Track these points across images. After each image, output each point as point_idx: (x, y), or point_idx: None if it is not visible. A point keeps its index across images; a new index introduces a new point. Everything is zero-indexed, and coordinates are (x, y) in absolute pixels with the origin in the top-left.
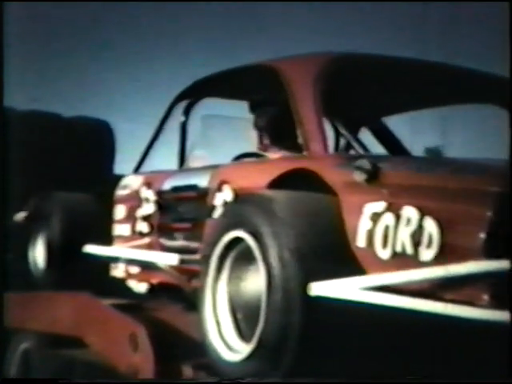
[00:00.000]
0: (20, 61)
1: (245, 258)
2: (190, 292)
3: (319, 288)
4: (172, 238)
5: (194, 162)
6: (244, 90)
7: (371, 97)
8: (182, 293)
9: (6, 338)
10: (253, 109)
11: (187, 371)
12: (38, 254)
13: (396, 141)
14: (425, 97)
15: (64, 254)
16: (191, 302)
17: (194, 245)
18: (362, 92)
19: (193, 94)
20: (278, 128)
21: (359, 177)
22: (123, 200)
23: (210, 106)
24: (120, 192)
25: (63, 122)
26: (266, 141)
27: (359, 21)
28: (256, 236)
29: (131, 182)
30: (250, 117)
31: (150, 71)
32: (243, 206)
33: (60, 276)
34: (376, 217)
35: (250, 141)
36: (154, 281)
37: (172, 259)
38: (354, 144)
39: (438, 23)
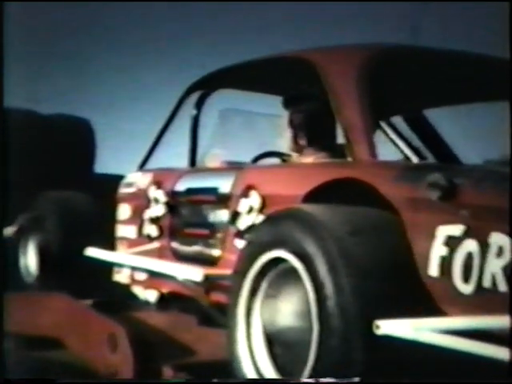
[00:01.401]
0: (20, 61)
1: (285, 282)
2: (207, 306)
3: (388, 326)
4: (186, 243)
5: (211, 161)
6: (270, 83)
7: (414, 91)
8: (196, 305)
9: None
10: (287, 104)
11: (167, 372)
12: (30, 259)
13: (436, 134)
14: (471, 91)
15: (60, 259)
16: (207, 316)
17: (214, 252)
18: (406, 87)
19: (207, 85)
20: (316, 127)
21: (433, 194)
22: (128, 199)
23: (224, 99)
24: (124, 190)
25: (41, 119)
26: (302, 141)
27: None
28: (302, 257)
29: (137, 180)
30: (272, 112)
31: (150, 71)
32: (285, 221)
33: (55, 282)
34: (454, 242)
35: (272, 139)
36: (164, 290)
37: (195, 274)
38: (407, 151)
39: (438, 23)
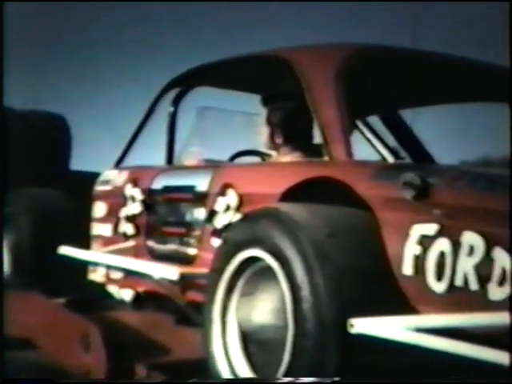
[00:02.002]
0: (20, 61)
1: (260, 280)
2: (183, 305)
3: (362, 325)
4: (162, 241)
5: (188, 159)
6: (248, 81)
7: (390, 91)
8: (172, 304)
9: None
10: (265, 102)
11: (141, 371)
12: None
13: (411, 135)
14: (448, 92)
15: (33, 257)
16: (183, 315)
17: (190, 251)
18: (382, 86)
19: (185, 83)
20: (294, 125)
21: (407, 193)
22: (104, 197)
23: (201, 97)
24: (100, 188)
25: (14, 115)
26: (279, 139)
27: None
28: (278, 257)
29: (113, 178)
30: (250, 110)
31: (150, 71)
32: (262, 221)
33: (27, 281)
34: (427, 241)
35: (249, 137)
36: (140, 289)
37: (170, 273)
38: (383, 150)
39: (438, 24)
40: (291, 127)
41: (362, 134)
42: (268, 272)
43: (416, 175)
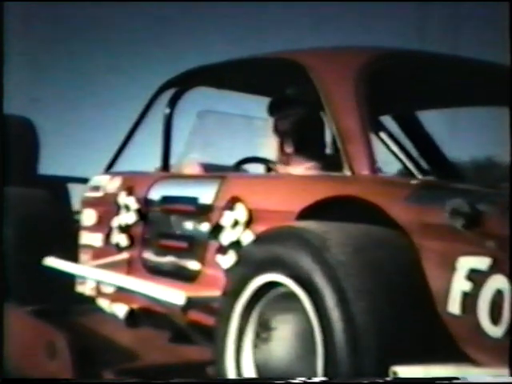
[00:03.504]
0: (20, 61)
1: (281, 307)
2: (183, 325)
3: (407, 373)
4: (160, 254)
5: (188, 167)
6: (252, 84)
7: (408, 94)
8: (170, 323)
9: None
10: (273, 109)
11: (108, 377)
12: None
13: (428, 137)
14: (463, 96)
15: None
16: (183, 335)
17: (192, 266)
18: (400, 90)
19: (183, 83)
20: (305, 134)
21: (455, 221)
22: (94, 204)
23: (200, 98)
24: (90, 194)
25: None
26: (289, 149)
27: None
28: (304, 283)
29: (104, 184)
30: (251, 112)
31: (150, 71)
32: (283, 240)
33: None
34: (478, 276)
35: (251, 141)
36: (134, 305)
37: (175, 297)
38: (410, 166)
39: (437, 23)
40: (302, 136)
41: (378, 136)
42: (289, 298)
43: (464, 202)
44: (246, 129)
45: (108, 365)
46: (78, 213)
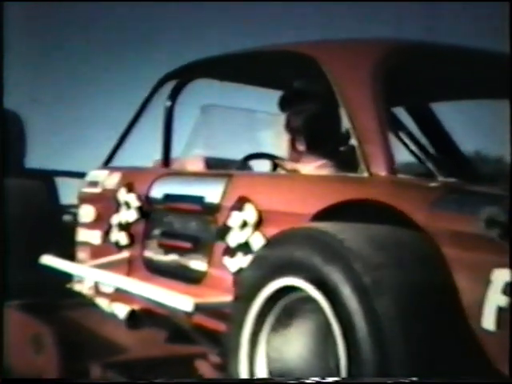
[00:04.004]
0: (20, 61)
1: (297, 313)
2: (188, 329)
3: None
4: (163, 253)
5: (192, 163)
6: (260, 77)
7: (424, 86)
8: (174, 325)
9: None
10: (284, 105)
11: (95, 371)
12: None
13: (443, 132)
14: (482, 87)
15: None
16: (186, 336)
17: (197, 268)
18: (416, 83)
19: (185, 74)
20: (318, 130)
21: (490, 231)
22: (92, 200)
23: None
24: (87, 189)
25: None
26: (301, 146)
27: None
28: (325, 288)
29: (103, 179)
30: (259, 108)
31: (150, 71)
32: (300, 243)
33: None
34: None
35: (256, 136)
36: (135, 306)
37: (182, 303)
38: (430, 164)
39: (437, 24)
40: (315, 132)
41: (395, 133)
42: (305, 304)
43: (501, 210)
44: (251, 123)
45: (95, 358)
46: (70, 207)
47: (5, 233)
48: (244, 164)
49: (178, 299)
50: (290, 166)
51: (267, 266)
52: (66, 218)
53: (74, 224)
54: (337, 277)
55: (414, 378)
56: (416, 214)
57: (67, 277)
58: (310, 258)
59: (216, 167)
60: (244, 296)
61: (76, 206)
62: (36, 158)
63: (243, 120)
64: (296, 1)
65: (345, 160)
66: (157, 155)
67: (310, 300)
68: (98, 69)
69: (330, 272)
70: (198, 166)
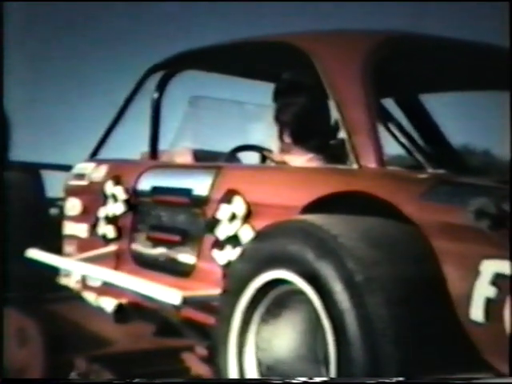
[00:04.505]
0: (20, 61)
1: (286, 306)
2: (176, 322)
3: None
4: (151, 247)
5: (180, 156)
6: (250, 68)
7: (413, 78)
8: (162, 318)
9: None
10: (275, 97)
11: (80, 364)
12: None
13: (432, 124)
14: (474, 80)
15: None
16: (173, 329)
17: (185, 261)
18: (406, 73)
19: (172, 65)
20: (306, 124)
21: (479, 222)
22: (78, 192)
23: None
24: (74, 182)
25: None
26: (288, 139)
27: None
28: (314, 281)
29: (89, 172)
30: (247, 100)
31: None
32: (290, 235)
33: None
34: (504, 282)
35: (245, 128)
36: (123, 300)
37: (170, 296)
38: (419, 156)
39: (437, 23)
40: (304, 126)
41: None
42: (295, 296)
43: (490, 201)
44: (239, 115)
45: (80, 352)
46: (56, 200)
47: None
48: (232, 156)
49: (166, 292)
50: (278, 157)
51: (257, 258)
52: (53, 211)
53: (61, 217)
54: (329, 272)
55: (401, 378)
56: (405, 205)
57: (52, 270)
58: (302, 252)
59: (204, 159)
60: (233, 289)
61: (62, 199)
62: (21, 151)
63: (232, 112)
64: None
65: (334, 153)
66: (144, 148)
67: (300, 293)
68: (100, 69)
69: (321, 267)
70: (186, 158)
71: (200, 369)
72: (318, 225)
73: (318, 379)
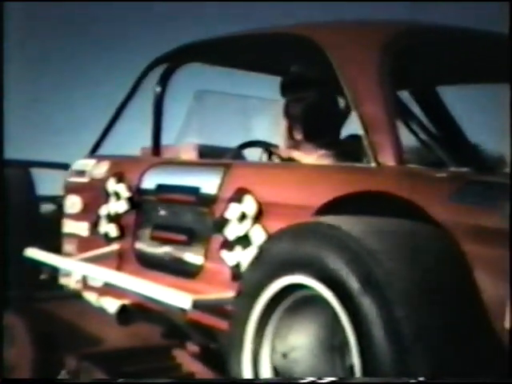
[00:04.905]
0: (20, 61)
1: (304, 312)
2: (182, 325)
3: None
4: (155, 246)
5: (186, 152)
6: (255, 61)
7: (430, 70)
8: (168, 320)
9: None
10: (284, 91)
11: (70, 362)
12: None
13: (450, 118)
14: (490, 71)
15: None
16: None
17: (192, 260)
18: (422, 66)
19: (175, 58)
20: (318, 120)
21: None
22: (79, 190)
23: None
24: (74, 179)
25: None
26: (299, 135)
27: None
28: (336, 287)
29: (90, 168)
30: (254, 94)
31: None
32: (309, 238)
33: None
34: None
35: (251, 123)
36: (126, 301)
37: (180, 301)
38: (439, 152)
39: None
40: (315, 121)
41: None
42: (313, 301)
43: None
44: (246, 110)
45: (71, 350)
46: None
47: None
48: (239, 153)
49: (176, 296)
50: (285, 153)
51: (275, 261)
52: (48, 209)
53: (55, 215)
54: (349, 274)
55: (421, 378)
56: (433, 207)
57: (41, 268)
58: (324, 256)
59: (210, 155)
60: (248, 292)
61: (55, 197)
62: (21, 151)
63: (238, 106)
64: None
65: (346, 150)
66: (146, 143)
67: (318, 298)
68: (100, 69)
69: (344, 272)
70: (191, 154)
71: (192, 366)
72: (340, 227)
73: (326, 379)
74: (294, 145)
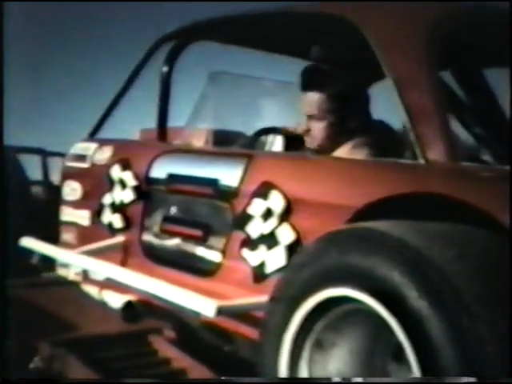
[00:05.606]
0: (20, 61)
1: (348, 327)
2: (197, 327)
3: None
4: (165, 238)
5: (199, 138)
6: (280, 42)
7: (476, 51)
8: (177, 319)
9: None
10: (307, 78)
11: (44, 349)
12: None
13: (496, 105)
14: None
15: None
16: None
17: (208, 257)
18: (468, 47)
19: (184, 36)
20: (351, 108)
21: None
22: (78, 175)
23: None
24: (73, 164)
25: None
26: (323, 126)
27: None
28: (390, 301)
29: (91, 152)
30: (271, 76)
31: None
32: (359, 247)
33: None
34: None
35: (268, 107)
36: (132, 296)
37: (203, 308)
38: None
39: None
40: (348, 111)
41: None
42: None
43: None
44: (265, 93)
45: (45, 336)
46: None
47: None
48: (256, 139)
49: (196, 300)
50: (310, 144)
51: (320, 268)
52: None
53: (52, 201)
54: (407, 287)
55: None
56: (499, 212)
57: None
58: (375, 266)
59: (225, 142)
60: (288, 299)
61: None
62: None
63: (254, 89)
64: None
65: (380, 140)
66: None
67: (364, 311)
68: (100, 69)
69: (399, 282)
70: (205, 140)
71: (168, 351)
72: (394, 235)
73: (336, 379)
74: (318, 134)
